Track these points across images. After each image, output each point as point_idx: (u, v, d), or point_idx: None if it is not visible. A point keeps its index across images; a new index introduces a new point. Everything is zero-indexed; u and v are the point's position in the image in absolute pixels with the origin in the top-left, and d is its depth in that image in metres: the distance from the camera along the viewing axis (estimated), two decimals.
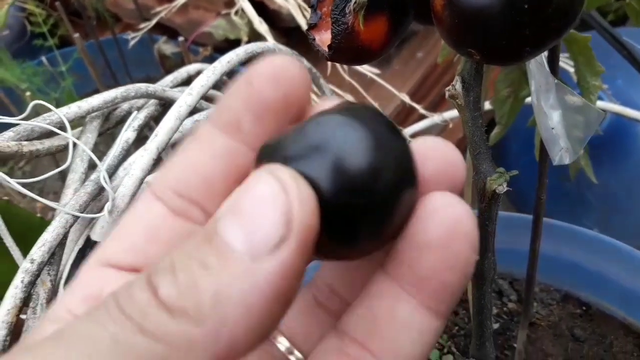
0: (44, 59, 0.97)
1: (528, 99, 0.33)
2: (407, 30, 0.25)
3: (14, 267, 0.32)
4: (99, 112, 0.40)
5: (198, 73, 0.43)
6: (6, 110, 0.88)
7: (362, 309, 0.16)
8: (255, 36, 0.81)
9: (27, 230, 0.36)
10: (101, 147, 0.60)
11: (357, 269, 0.19)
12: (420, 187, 0.16)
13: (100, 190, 0.36)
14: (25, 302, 0.32)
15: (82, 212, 0.34)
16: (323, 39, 0.24)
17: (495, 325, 0.50)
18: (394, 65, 0.88)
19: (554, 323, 0.49)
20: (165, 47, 0.95)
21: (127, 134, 0.39)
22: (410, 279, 0.15)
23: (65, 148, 0.37)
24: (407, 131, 0.71)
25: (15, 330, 0.31)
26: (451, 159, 0.16)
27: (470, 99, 0.26)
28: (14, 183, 0.29)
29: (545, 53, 0.28)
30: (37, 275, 0.32)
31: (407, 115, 0.85)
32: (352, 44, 0.23)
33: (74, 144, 0.37)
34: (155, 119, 0.42)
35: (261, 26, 0.77)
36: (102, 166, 0.35)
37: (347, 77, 0.72)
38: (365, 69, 0.72)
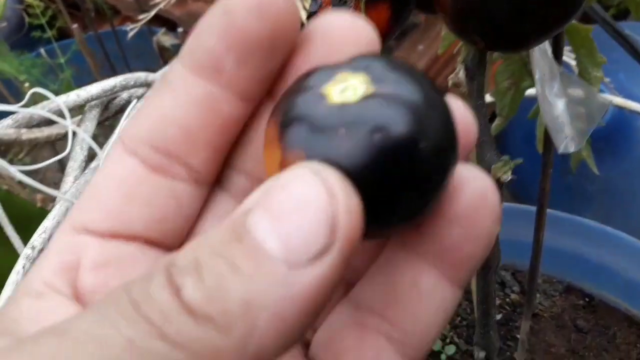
0: (42, 51, 0.97)
1: (529, 91, 0.32)
2: (409, 23, 0.25)
3: (15, 257, 0.33)
4: (98, 101, 0.39)
5: None
6: (5, 102, 0.88)
7: (379, 279, 0.16)
8: None
9: (27, 220, 0.36)
10: (100, 138, 0.60)
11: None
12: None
13: None
14: None
15: None
16: None
17: (498, 316, 0.50)
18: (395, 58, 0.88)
19: (556, 314, 0.49)
20: (165, 39, 0.94)
21: (126, 122, 0.39)
22: (434, 249, 0.15)
23: (64, 137, 0.37)
24: None
25: None
26: (463, 118, 0.15)
27: (473, 87, 0.25)
28: (14, 170, 0.29)
29: (549, 42, 0.28)
30: None
31: None
32: None
33: (74, 133, 0.37)
34: None
35: None
36: (102, 154, 0.35)
37: None
38: None
